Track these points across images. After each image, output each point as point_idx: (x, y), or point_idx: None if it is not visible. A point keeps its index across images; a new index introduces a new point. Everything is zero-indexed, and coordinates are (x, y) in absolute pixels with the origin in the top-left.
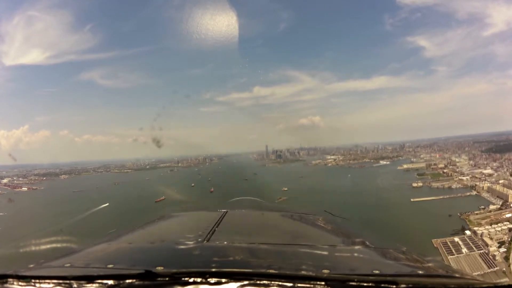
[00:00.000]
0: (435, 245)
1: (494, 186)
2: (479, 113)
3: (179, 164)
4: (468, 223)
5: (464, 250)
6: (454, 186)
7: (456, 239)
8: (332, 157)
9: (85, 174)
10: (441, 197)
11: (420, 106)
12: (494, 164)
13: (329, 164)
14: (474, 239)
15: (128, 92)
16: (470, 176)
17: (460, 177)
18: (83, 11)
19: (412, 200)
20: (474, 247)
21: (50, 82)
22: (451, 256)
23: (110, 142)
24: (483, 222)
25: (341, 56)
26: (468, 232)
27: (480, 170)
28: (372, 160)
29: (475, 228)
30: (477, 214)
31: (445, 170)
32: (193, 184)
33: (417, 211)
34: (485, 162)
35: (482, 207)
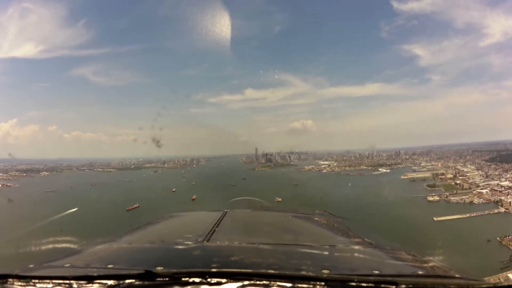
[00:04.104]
0: None
1: None
2: (472, 122)
3: (165, 165)
4: None
5: None
6: (476, 201)
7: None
8: (326, 162)
9: (68, 172)
10: (468, 215)
11: (413, 114)
12: (508, 175)
13: (324, 171)
14: None
15: (119, 90)
16: (488, 189)
17: (478, 190)
18: (78, 5)
19: (435, 219)
20: None
21: (42, 76)
22: None
23: (99, 140)
24: None
25: (335, 61)
26: None
27: (496, 182)
28: (369, 168)
29: None
30: None
31: (457, 182)
32: (174, 189)
33: (447, 235)
34: (495, 173)
35: None
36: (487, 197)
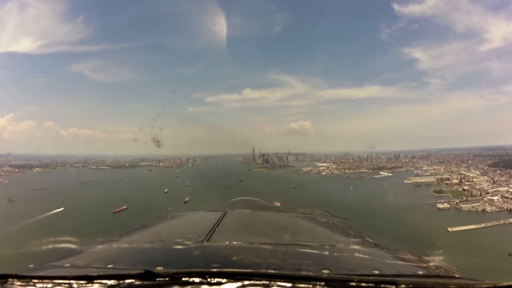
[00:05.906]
0: None
1: None
2: (471, 127)
3: (161, 164)
4: None
5: None
6: (488, 209)
7: None
8: (324, 164)
9: (61, 169)
10: (483, 225)
11: (412, 117)
12: None
13: (323, 173)
14: None
15: (117, 87)
16: (499, 195)
17: (489, 197)
18: (76, 1)
19: (450, 229)
20: None
21: (39, 71)
22: None
23: (96, 137)
24: None
25: (334, 63)
26: None
27: (506, 188)
28: (370, 171)
29: None
30: None
31: (464, 187)
32: (166, 190)
33: (465, 248)
34: (502, 179)
35: None
36: (499, 204)
